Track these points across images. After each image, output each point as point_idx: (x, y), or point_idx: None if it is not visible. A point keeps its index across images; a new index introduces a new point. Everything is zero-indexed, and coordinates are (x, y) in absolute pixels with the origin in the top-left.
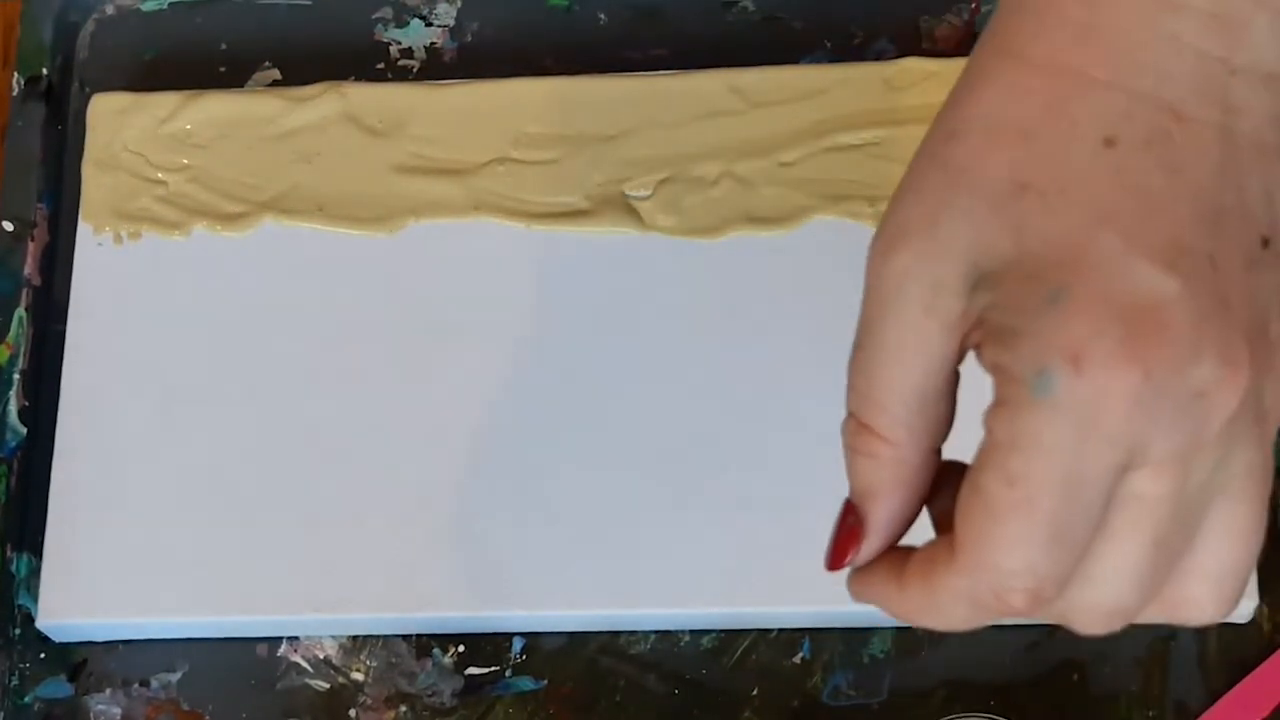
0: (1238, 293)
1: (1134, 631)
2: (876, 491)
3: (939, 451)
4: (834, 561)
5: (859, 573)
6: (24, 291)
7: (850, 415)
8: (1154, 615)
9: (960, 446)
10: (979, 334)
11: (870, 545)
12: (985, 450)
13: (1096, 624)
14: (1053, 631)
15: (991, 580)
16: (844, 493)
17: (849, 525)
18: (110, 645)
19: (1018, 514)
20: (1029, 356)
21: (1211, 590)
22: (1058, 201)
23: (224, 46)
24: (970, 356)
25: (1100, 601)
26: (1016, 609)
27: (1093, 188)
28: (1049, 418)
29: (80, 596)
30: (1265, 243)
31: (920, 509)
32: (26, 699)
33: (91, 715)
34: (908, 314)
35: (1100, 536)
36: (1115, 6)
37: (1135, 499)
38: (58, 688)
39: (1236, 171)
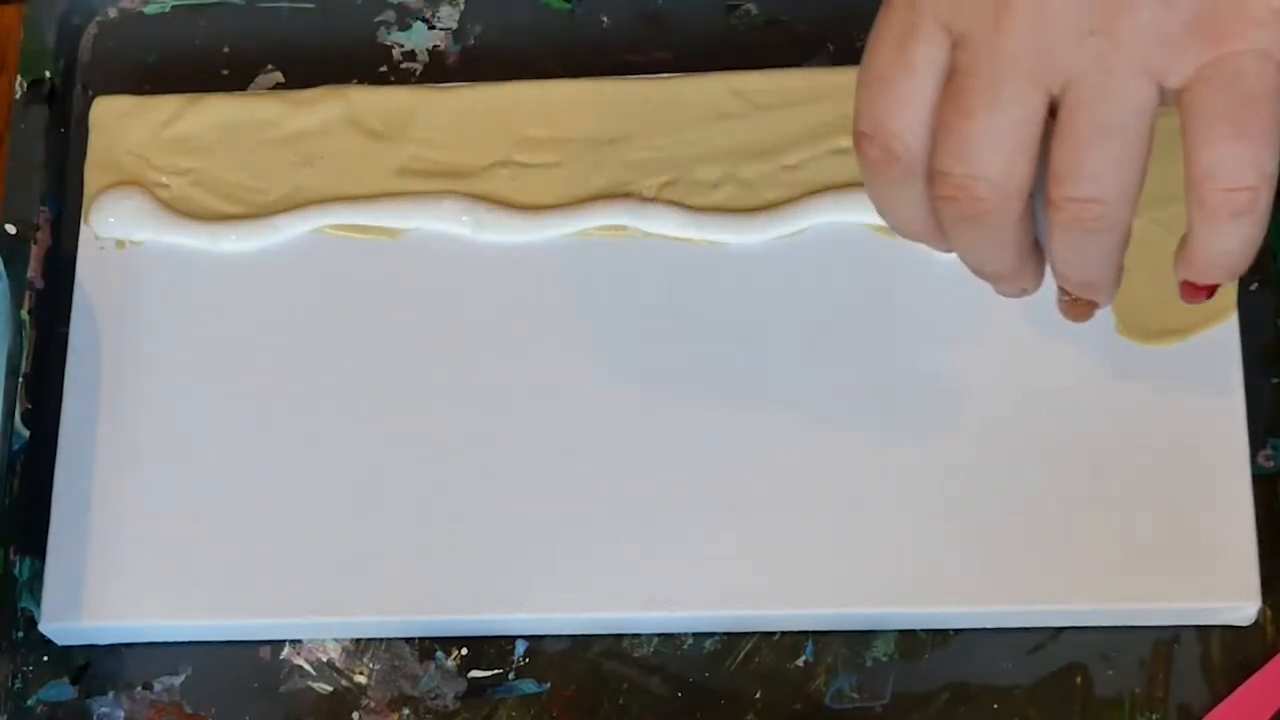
0: None
1: (1137, 634)
2: None
3: None
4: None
5: None
6: (27, 294)
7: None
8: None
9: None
10: None
11: None
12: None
13: (952, 193)
14: (1057, 634)
15: (860, 126)
16: (846, 495)
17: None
18: (113, 648)
19: (865, 64)
20: None
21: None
22: None
23: (226, 50)
24: None
25: (949, 168)
26: (873, 159)
27: None
28: None
29: (83, 600)
30: None
31: None
32: (29, 702)
33: (94, 718)
34: None
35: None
36: None
37: (954, 72)
38: (61, 690)
39: None
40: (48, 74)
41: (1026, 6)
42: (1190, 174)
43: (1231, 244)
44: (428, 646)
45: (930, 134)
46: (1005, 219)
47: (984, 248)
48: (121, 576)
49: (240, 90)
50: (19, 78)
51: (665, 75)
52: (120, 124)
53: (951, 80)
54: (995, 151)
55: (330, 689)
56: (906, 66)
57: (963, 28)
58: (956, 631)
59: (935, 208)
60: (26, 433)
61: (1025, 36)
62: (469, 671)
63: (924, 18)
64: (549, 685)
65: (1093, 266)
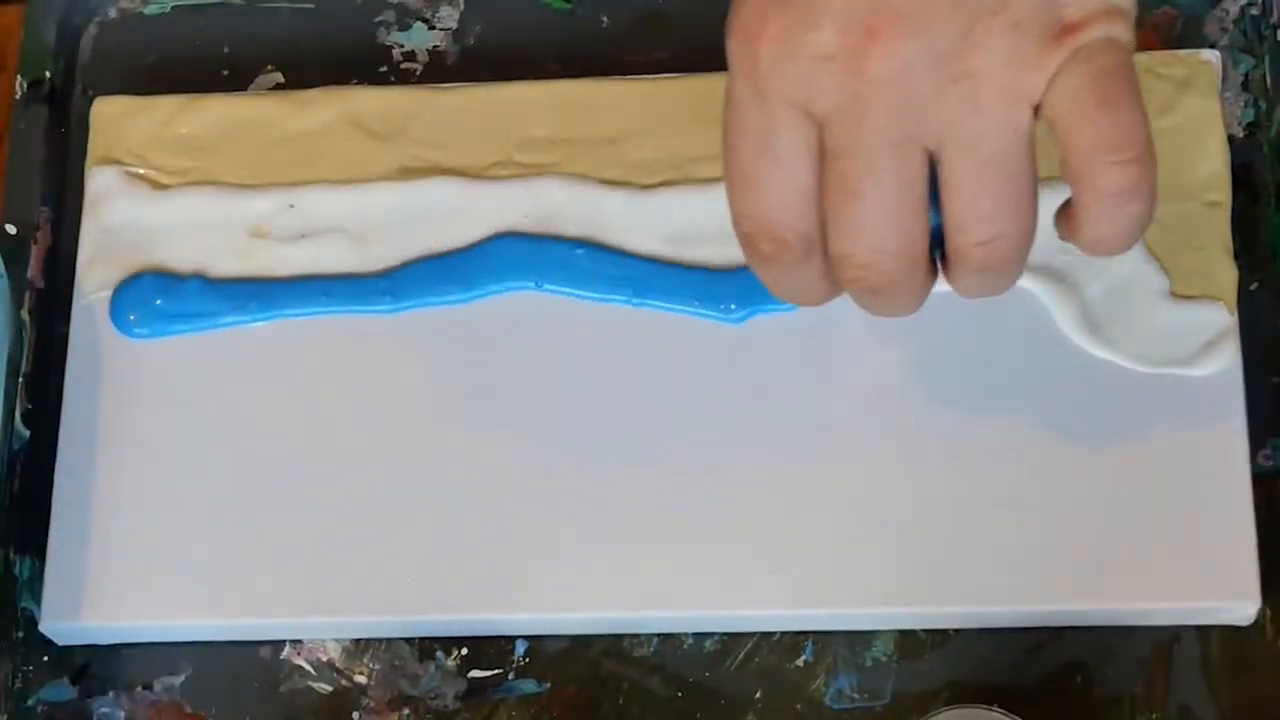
0: None
1: (1137, 634)
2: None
3: None
4: None
5: None
6: (27, 294)
7: None
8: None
9: None
10: None
11: None
12: None
13: (857, 273)
14: (1057, 634)
15: (743, 228)
16: (846, 495)
17: None
18: (113, 648)
19: (729, 166)
20: None
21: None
22: None
23: (226, 50)
24: None
25: (849, 250)
26: (768, 253)
27: None
28: (730, 83)
29: (83, 600)
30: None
31: None
32: (29, 702)
33: (94, 718)
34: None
35: (826, 192)
36: None
37: (826, 154)
38: (60, 690)
39: None
40: (48, 74)
41: (885, 74)
42: (1075, 160)
43: (1123, 224)
44: (428, 646)
45: (815, 210)
46: (913, 280)
47: (892, 307)
48: (121, 576)
49: (240, 90)
50: (19, 78)
51: (665, 75)
52: (120, 124)
53: (828, 164)
54: (890, 223)
55: (330, 689)
56: (773, 159)
57: (823, 108)
58: (956, 631)
59: (842, 287)
60: (26, 433)
61: (890, 104)
62: (469, 671)
63: (778, 107)
64: (549, 685)
65: (1001, 290)
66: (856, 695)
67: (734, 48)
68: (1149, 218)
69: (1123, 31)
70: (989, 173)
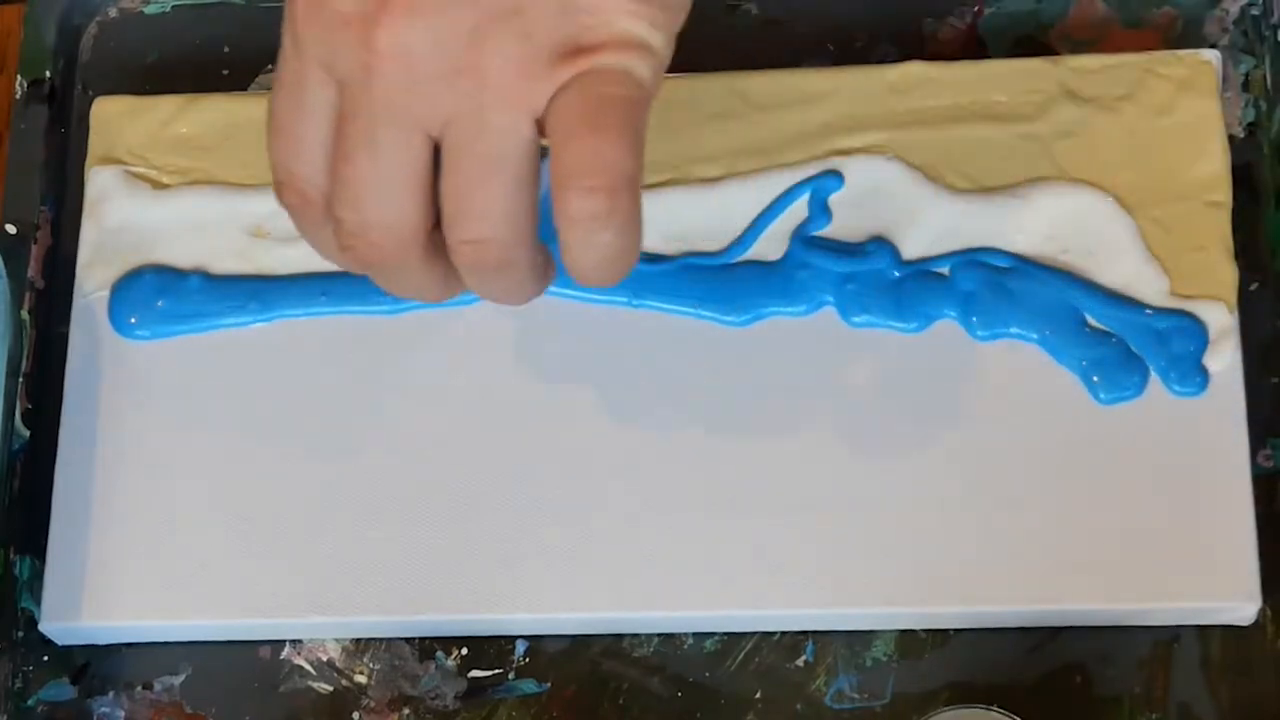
0: None
1: (1137, 634)
2: None
3: None
4: None
5: None
6: (27, 294)
7: None
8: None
9: None
10: None
11: None
12: None
13: (347, 241)
14: (1057, 634)
15: (275, 175)
16: (846, 495)
17: None
18: (113, 648)
19: (269, 111)
20: None
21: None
22: None
23: (227, 49)
24: None
25: (340, 215)
26: (293, 205)
27: None
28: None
29: (83, 599)
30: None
31: None
32: (29, 702)
33: (95, 718)
34: None
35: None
36: None
37: (339, 114)
38: (60, 690)
39: None
40: (48, 74)
41: (391, 49)
42: (553, 181)
43: (595, 254)
44: (428, 646)
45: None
46: (406, 261)
47: (395, 287)
48: (121, 576)
49: (240, 90)
50: (19, 78)
51: (665, 75)
52: (120, 124)
53: (337, 127)
54: (381, 197)
55: (330, 689)
56: (301, 113)
57: (340, 72)
58: (956, 631)
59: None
60: (26, 433)
61: (394, 80)
62: (469, 671)
63: (308, 63)
64: (549, 685)
65: (509, 297)
66: (856, 695)
67: None
68: (628, 251)
69: (641, 66)
70: (482, 171)
